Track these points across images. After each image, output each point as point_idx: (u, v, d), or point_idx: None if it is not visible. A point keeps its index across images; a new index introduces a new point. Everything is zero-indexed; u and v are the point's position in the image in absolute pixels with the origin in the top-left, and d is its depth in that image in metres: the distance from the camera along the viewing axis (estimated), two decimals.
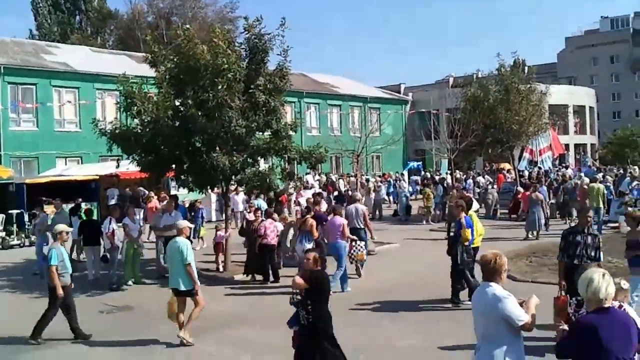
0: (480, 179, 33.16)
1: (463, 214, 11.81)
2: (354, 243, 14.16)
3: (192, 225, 13.49)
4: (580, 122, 64.23)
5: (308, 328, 7.23)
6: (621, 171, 30.47)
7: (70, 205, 20.25)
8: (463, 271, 11.51)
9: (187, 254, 9.89)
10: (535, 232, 20.34)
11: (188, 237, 10.53)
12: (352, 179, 31.35)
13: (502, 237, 20.86)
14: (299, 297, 7.37)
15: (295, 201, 23.55)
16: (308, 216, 14.37)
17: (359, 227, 15.08)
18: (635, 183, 24.46)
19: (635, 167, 38.00)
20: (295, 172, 20.10)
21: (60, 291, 10.08)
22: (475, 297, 5.63)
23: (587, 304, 4.82)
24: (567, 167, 41.34)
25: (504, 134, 27.94)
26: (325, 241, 14.36)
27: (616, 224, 21.00)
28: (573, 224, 21.32)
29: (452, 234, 11.95)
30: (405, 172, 42.35)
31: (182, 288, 9.87)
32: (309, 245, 13.23)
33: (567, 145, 52.01)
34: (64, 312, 10.33)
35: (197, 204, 21.38)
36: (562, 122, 49.03)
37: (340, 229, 13.48)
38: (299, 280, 7.30)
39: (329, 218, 14.62)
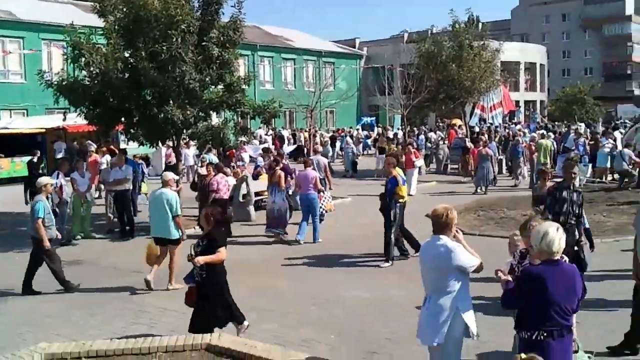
0: (432, 134, 33.52)
1: (395, 171, 11.69)
2: (321, 194, 14.42)
3: (177, 177, 13.67)
4: (531, 79, 65.31)
5: (202, 285, 7.41)
6: (564, 129, 31.17)
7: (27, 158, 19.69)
8: (396, 227, 11.49)
9: (177, 206, 10.24)
10: (483, 187, 20.78)
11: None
12: (306, 134, 31.30)
13: (452, 191, 21.34)
14: (197, 249, 7.41)
15: (237, 156, 23.38)
16: (277, 168, 14.56)
17: (320, 177, 15.20)
18: (581, 139, 25.14)
19: (582, 124, 39.05)
20: (249, 127, 19.95)
21: (47, 243, 10.05)
22: (425, 250, 5.73)
23: (539, 255, 4.93)
24: (517, 124, 42.13)
25: (456, 90, 28.24)
26: (290, 192, 15.10)
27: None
28: (519, 181, 22.05)
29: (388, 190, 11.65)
30: (360, 128, 42.50)
31: (169, 236, 10.22)
32: (279, 197, 13.98)
33: (517, 102, 52.86)
34: (47, 264, 10.30)
35: (135, 159, 20.88)
36: (513, 79, 49.73)
37: (313, 181, 13.83)
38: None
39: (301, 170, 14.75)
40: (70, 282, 10.39)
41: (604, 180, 21.66)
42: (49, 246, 10.16)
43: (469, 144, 25.55)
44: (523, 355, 4.55)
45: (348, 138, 31.61)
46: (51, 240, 10.30)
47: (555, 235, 4.80)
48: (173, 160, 19.30)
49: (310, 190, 13.76)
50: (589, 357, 5.47)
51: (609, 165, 21.67)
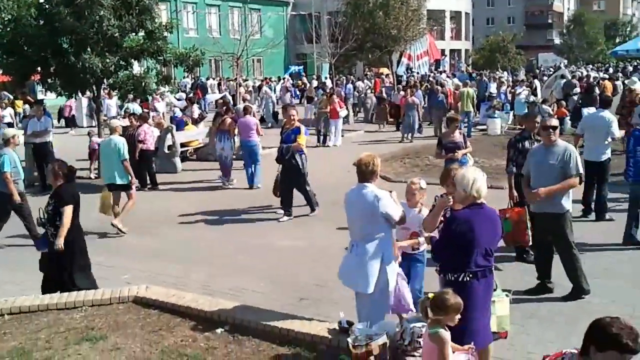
0: (359, 83, 33.60)
1: (298, 124, 11.44)
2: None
3: (123, 124, 13.87)
4: (456, 28, 66.14)
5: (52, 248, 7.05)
6: (485, 78, 31.79)
7: None
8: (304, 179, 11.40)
9: (124, 150, 10.71)
10: (410, 135, 21.11)
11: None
12: (232, 82, 30.79)
13: (379, 139, 21.60)
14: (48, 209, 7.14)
15: (151, 106, 22.86)
16: (226, 116, 14.93)
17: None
18: (503, 88, 25.80)
19: (505, 72, 40.03)
20: (172, 76, 19.43)
21: (17, 197, 9.75)
22: (350, 198, 5.78)
23: (463, 201, 5.03)
24: (442, 72, 42.74)
25: (383, 39, 28.24)
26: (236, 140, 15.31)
27: (484, 126, 22.22)
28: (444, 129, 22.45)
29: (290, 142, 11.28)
30: (287, 77, 42.12)
31: (119, 182, 10.71)
32: (228, 144, 14.43)
33: (443, 51, 53.52)
34: (20, 218, 10.02)
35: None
36: (439, 27, 50.22)
37: (255, 128, 14.03)
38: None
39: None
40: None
41: (521, 126, 22.34)
42: (19, 200, 9.81)
43: (384, 95, 25.71)
44: (431, 294, 4.74)
45: (266, 88, 30.83)
46: (21, 195, 9.93)
47: (482, 181, 4.94)
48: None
49: (251, 137, 13.95)
50: (506, 294, 5.72)
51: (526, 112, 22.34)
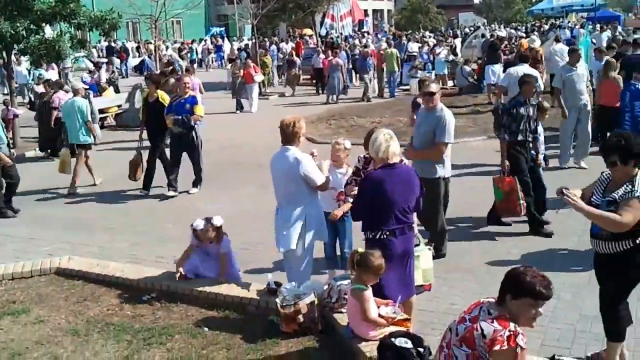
0: (283, 45, 33.27)
1: (192, 93, 11.03)
2: None
3: (87, 86, 14.30)
4: None
5: None
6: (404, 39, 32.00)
7: None
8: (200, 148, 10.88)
9: (87, 112, 11.22)
10: (334, 97, 21.15)
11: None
12: (151, 45, 29.89)
13: (304, 102, 21.55)
14: None
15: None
16: (170, 77, 14.98)
17: None
18: (425, 48, 26.12)
19: (426, 32, 40.50)
20: (88, 40, 18.68)
21: (7, 160, 9.56)
22: (275, 161, 5.79)
23: (377, 161, 5.13)
24: (367, 33, 42.85)
25: None
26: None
27: (407, 86, 22.50)
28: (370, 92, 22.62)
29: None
30: (209, 38, 41.20)
31: (83, 141, 11.16)
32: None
33: (365, 11, 53.59)
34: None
35: None
36: None
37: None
38: None
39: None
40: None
41: (444, 86, 22.74)
42: (10, 162, 9.64)
43: (295, 58, 25.36)
44: (360, 250, 4.86)
45: (171, 52, 29.31)
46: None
47: (388, 142, 5.01)
48: None
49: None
50: (429, 248, 5.91)
51: (446, 71, 22.77)
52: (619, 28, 31.30)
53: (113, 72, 24.48)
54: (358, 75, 22.96)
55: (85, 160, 11.31)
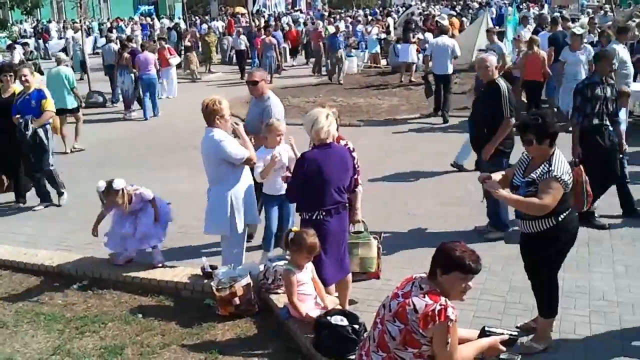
0: (215, 23, 32.73)
1: (36, 86, 9.20)
2: None
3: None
4: None
5: None
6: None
7: None
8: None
9: (73, 79, 12.38)
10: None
11: None
12: (78, 25, 28.80)
13: (240, 82, 21.19)
14: None
15: None
16: (124, 53, 16.04)
17: None
18: (359, 26, 26.17)
19: (360, 11, 40.58)
20: (9, 19, 17.87)
21: None
22: (201, 143, 5.74)
23: (312, 141, 5.14)
24: (300, 11, 42.61)
25: None
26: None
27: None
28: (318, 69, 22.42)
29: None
30: (137, 17, 40.10)
31: (70, 107, 12.23)
32: (128, 78, 15.66)
33: None
34: None
35: None
36: None
37: (152, 62, 15.76)
38: None
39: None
40: None
41: (377, 64, 22.90)
42: None
43: (207, 38, 24.69)
44: (295, 229, 4.87)
45: (71, 32, 27.34)
46: None
47: (325, 122, 5.00)
48: None
49: (150, 71, 15.58)
50: (374, 237, 5.96)
51: (379, 50, 22.91)
52: (546, 6, 32.21)
53: (31, 52, 23.20)
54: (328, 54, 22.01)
55: (77, 123, 12.53)
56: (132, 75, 15.69)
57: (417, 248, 6.82)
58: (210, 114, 5.56)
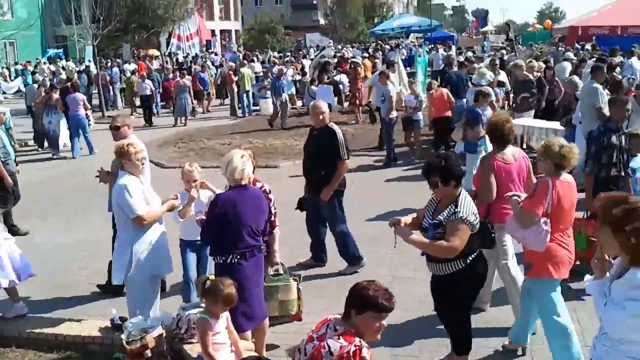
0: (127, 66, 32.12)
1: None
2: None
3: None
4: (225, 8, 66.25)
5: None
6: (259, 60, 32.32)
7: None
8: None
9: (9, 120, 11.69)
10: (183, 119, 20.71)
11: None
12: None
13: (154, 124, 20.84)
14: None
15: None
16: (52, 92, 16.09)
17: None
18: (275, 68, 26.32)
19: (275, 52, 41.01)
20: None
21: (9, 180, 8.98)
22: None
23: (228, 182, 5.08)
24: (215, 54, 42.59)
25: (149, 19, 27.33)
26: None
27: (257, 107, 22.53)
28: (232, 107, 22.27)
29: None
30: (47, 60, 38.91)
31: None
32: (55, 118, 15.69)
33: (213, 31, 53.36)
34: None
35: None
36: (207, 7, 49.93)
37: (81, 103, 15.96)
38: None
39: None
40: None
41: (294, 105, 23.03)
42: (12, 183, 9.08)
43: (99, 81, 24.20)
44: (212, 276, 4.74)
45: None
46: (12, 176, 9.18)
47: (239, 163, 4.96)
48: None
49: (79, 111, 15.80)
50: (294, 279, 5.88)
51: (294, 91, 23.17)
52: (453, 47, 33.58)
53: None
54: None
55: None
56: (59, 115, 15.74)
57: (338, 289, 6.78)
58: (121, 157, 5.42)
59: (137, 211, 5.27)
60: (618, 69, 12.82)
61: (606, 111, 9.02)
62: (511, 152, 5.69)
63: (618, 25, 20.30)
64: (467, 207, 4.48)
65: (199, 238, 5.77)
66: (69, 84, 18.13)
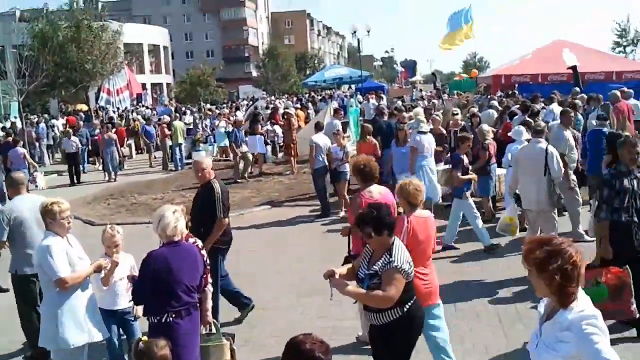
0: (55, 122, 31.32)
1: None
2: None
3: None
4: (156, 62, 66.19)
5: None
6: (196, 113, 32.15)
7: None
8: None
9: None
10: (113, 174, 20.18)
11: None
12: None
13: (81, 181, 20.24)
14: None
15: None
16: None
17: None
18: (207, 121, 26.28)
19: (208, 104, 40.95)
20: None
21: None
22: None
23: (160, 239, 4.95)
24: (146, 107, 42.18)
25: (77, 74, 26.90)
26: None
27: (190, 160, 22.24)
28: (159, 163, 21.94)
29: None
30: None
31: None
32: None
33: (144, 85, 53.03)
34: None
35: None
36: (137, 61, 49.68)
37: (22, 157, 16.34)
38: None
39: None
40: None
41: (227, 158, 22.88)
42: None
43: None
44: (144, 338, 4.49)
45: None
46: None
47: (172, 218, 4.84)
48: None
49: (21, 165, 15.73)
50: (227, 338, 5.69)
51: (227, 142, 23.04)
52: (384, 97, 34.37)
53: None
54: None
55: None
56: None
57: (276, 345, 6.59)
58: (44, 217, 5.23)
59: (58, 273, 5.05)
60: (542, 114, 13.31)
61: (567, 158, 9.54)
62: (377, 190, 6.30)
63: (538, 73, 21.27)
64: (402, 256, 4.48)
65: (120, 306, 5.65)
66: (10, 138, 18.16)
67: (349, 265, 4.88)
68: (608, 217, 6.31)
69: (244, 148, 18.37)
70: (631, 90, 15.78)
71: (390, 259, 4.43)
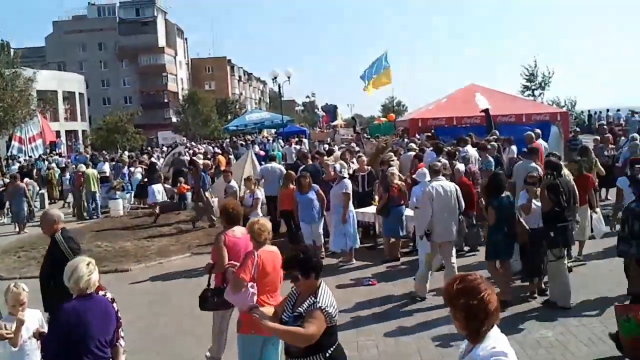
0: None
1: None
2: None
3: None
4: (71, 109, 64.51)
5: None
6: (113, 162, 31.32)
7: None
8: None
9: None
10: (23, 225, 19.24)
11: None
12: None
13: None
14: None
15: None
16: None
17: None
18: (125, 168, 25.59)
19: (126, 152, 40.08)
20: None
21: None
22: None
23: (71, 291, 4.74)
24: (60, 155, 40.89)
25: None
26: None
27: (107, 209, 21.58)
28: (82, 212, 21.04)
29: None
30: None
31: None
32: None
33: (58, 132, 51.50)
34: None
35: None
36: (52, 108, 48.33)
37: None
38: None
39: None
40: None
41: (145, 205, 22.30)
42: None
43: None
44: None
45: None
46: None
47: (85, 271, 4.69)
48: None
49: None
50: None
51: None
52: (305, 141, 34.67)
53: None
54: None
55: None
56: None
57: None
58: None
59: None
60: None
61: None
62: (240, 230, 6.74)
63: (453, 116, 22.00)
64: (327, 299, 4.45)
65: None
66: None
67: (271, 309, 4.82)
68: (632, 251, 6.18)
69: (209, 193, 17.79)
70: (539, 131, 16.57)
71: (316, 300, 4.41)
